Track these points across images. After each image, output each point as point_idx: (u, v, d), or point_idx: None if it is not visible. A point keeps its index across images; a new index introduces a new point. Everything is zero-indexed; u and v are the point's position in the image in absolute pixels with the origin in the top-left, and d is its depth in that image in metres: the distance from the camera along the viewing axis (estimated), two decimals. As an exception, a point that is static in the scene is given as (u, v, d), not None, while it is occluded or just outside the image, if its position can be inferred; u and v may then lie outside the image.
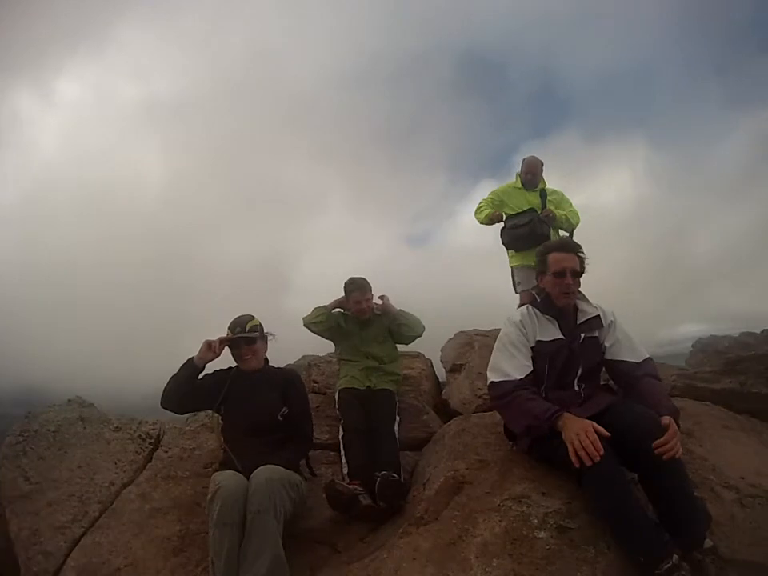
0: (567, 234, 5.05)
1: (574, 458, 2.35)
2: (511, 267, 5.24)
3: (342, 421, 3.82)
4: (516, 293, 5.21)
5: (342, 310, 4.50)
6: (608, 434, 2.39)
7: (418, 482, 3.46)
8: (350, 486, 3.22)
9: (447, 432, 3.72)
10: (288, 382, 3.46)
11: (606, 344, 2.90)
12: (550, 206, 5.06)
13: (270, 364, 3.58)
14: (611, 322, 2.94)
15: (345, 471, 3.46)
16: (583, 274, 2.92)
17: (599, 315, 2.92)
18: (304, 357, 6.03)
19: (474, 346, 5.53)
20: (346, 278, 4.44)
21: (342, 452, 3.59)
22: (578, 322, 2.92)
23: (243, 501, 2.76)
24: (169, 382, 3.26)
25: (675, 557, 2.21)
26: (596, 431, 2.39)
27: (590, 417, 2.53)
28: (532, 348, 2.85)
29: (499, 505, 2.54)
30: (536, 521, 2.43)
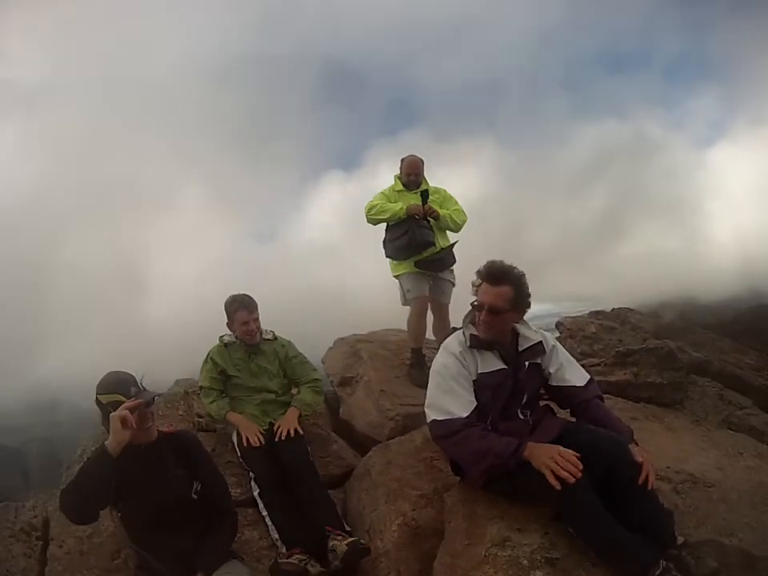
0: (452, 243, 4.91)
1: (554, 482, 2.34)
2: (395, 277, 4.98)
3: (252, 474, 3.45)
4: (403, 304, 4.93)
5: (224, 338, 3.95)
6: (576, 453, 2.40)
7: (357, 528, 3.29)
8: (296, 560, 2.93)
9: (371, 466, 3.57)
10: (187, 449, 2.85)
11: (551, 370, 2.88)
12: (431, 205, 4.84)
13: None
14: (553, 346, 2.92)
15: (275, 536, 3.18)
16: (518, 310, 2.79)
17: (541, 341, 2.88)
18: (177, 382, 5.40)
19: (361, 355, 5.27)
20: (227, 298, 3.92)
21: (266, 514, 3.28)
22: (520, 350, 2.85)
23: None
24: (71, 491, 2.46)
25: (662, 561, 2.32)
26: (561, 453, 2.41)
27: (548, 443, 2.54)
28: (474, 381, 2.73)
29: (485, 555, 2.45)
30: (526, 562, 2.38)
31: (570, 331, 6.62)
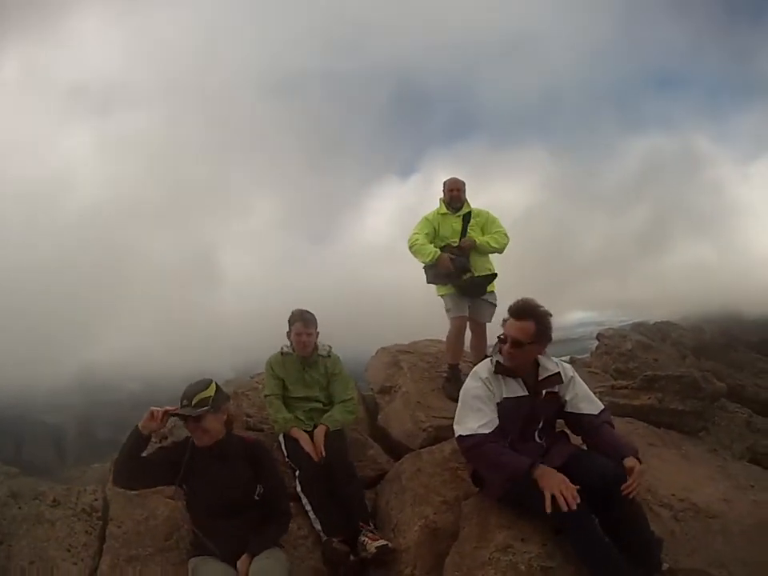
0: (490, 274, 5.20)
1: (548, 505, 2.76)
2: (439, 296, 5.33)
3: (297, 472, 3.93)
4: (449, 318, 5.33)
5: (282, 349, 4.48)
6: (577, 486, 2.81)
7: (384, 526, 3.77)
8: (342, 545, 3.47)
9: (402, 472, 4.05)
10: (256, 456, 3.32)
11: (567, 398, 3.31)
12: (472, 231, 5.22)
13: (232, 431, 3.38)
14: (571, 377, 3.35)
15: (318, 527, 3.65)
16: (540, 343, 3.19)
17: (559, 372, 3.31)
18: (228, 383, 5.72)
19: (401, 366, 5.67)
20: (293, 309, 4.45)
21: (309, 508, 3.75)
22: (540, 378, 3.28)
23: None
24: (118, 455, 3.12)
25: None
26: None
27: (555, 466, 2.98)
28: (498, 404, 3.18)
29: (489, 558, 2.93)
30: (523, 567, 2.83)
31: (607, 347, 6.92)
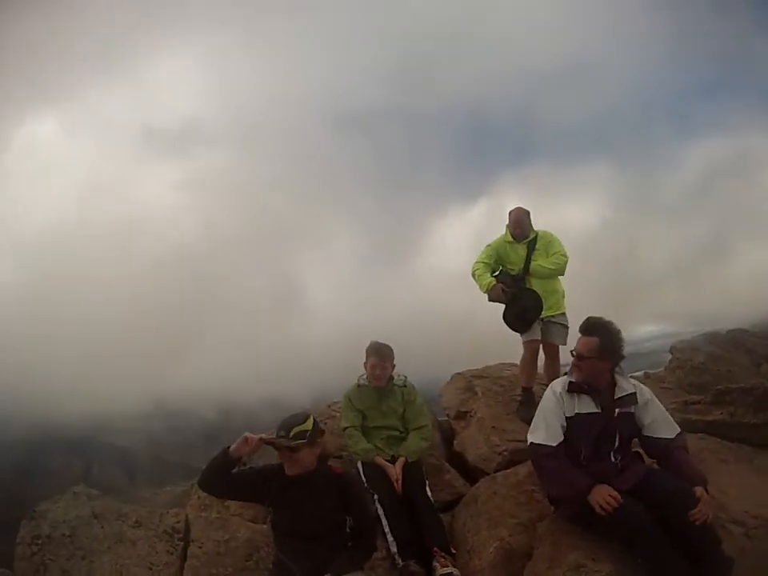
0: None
1: (599, 510, 3.04)
2: None
3: (375, 496, 4.11)
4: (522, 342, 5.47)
5: (359, 381, 4.71)
6: (617, 495, 3.05)
7: (460, 548, 3.95)
8: (418, 567, 3.67)
9: (479, 495, 4.23)
10: (346, 488, 3.39)
11: (645, 421, 3.46)
12: (536, 255, 5.34)
13: (323, 461, 3.49)
14: (648, 399, 3.51)
15: (394, 549, 3.85)
16: (605, 359, 3.42)
17: (635, 393, 3.48)
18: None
19: (476, 391, 5.87)
20: (370, 341, 4.68)
21: (388, 530, 3.93)
22: (615, 397, 3.46)
23: None
24: (206, 468, 3.27)
25: None
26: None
27: (629, 488, 3.17)
28: (570, 418, 3.40)
29: None
30: None
31: (679, 361, 6.94)
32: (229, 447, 3.19)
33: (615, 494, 3.04)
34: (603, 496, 3.05)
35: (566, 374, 3.70)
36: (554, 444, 3.32)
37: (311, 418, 3.34)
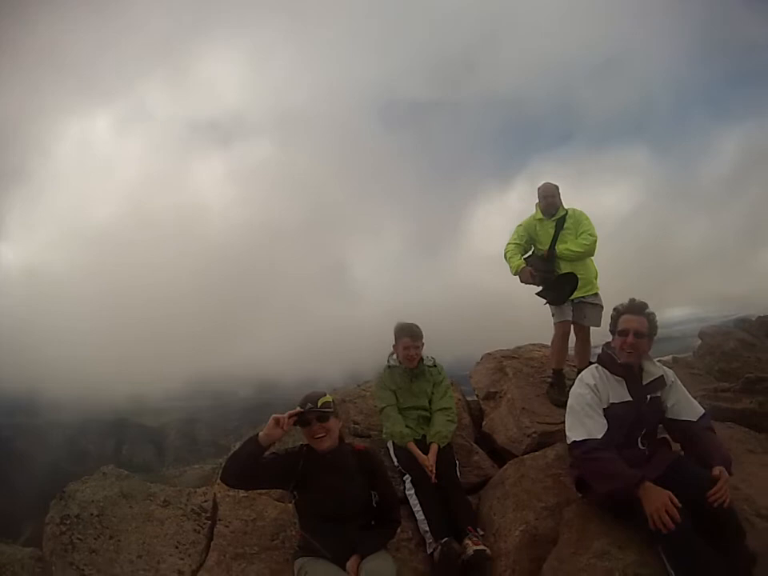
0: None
1: (652, 525, 2.97)
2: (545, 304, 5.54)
3: (407, 476, 4.26)
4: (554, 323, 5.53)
5: (389, 361, 4.81)
6: (680, 504, 2.97)
7: (486, 530, 4.02)
8: (459, 545, 3.74)
9: (506, 478, 4.31)
10: (369, 464, 3.51)
11: (668, 404, 3.52)
12: (564, 234, 5.34)
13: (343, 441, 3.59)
14: (672, 382, 3.55)
15: (425, 528, 3.93)
16: (653, 335, 3.50)
17: (663, 376, 3.53)
18: (335, 391, 6.02)
19: (506, 372, 5.91)
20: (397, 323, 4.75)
21: (418, 509, 4.04)
22: (644, 383, 3.51)
23: None
24: (230, 458, 3.27)
25: None
26: (672, 501, 2.98)
27: (657, 475, 3.18)
28: (605, 409, 3.42)
29: (586, 564, 3.17)
30: (618, 574, 3.05)
31: (710, 346, 6.90)
32: (257, 435, 3.19)
33: (676, 501, 2.96)
34: (665, 504, 2.96)
35: (591, 362, 3.75)
36: (599, 436, 3.30)
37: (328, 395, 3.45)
